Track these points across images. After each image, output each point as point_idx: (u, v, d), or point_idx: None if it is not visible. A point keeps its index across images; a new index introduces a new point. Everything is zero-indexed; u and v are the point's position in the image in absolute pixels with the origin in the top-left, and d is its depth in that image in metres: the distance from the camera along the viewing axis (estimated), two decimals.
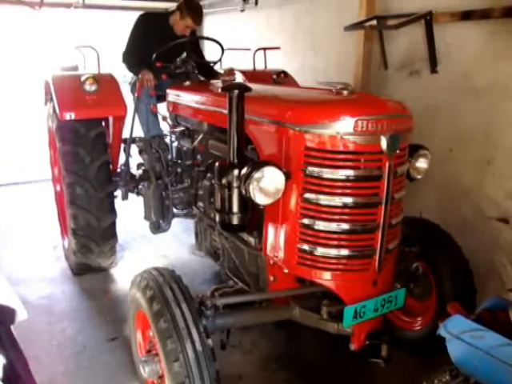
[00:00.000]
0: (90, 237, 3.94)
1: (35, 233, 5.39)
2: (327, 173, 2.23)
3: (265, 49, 4.89)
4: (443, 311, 2.96)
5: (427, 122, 3.83)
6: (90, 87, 3.81)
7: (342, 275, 2.36)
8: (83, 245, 3.97)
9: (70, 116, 3.72)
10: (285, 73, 4.74)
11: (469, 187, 3.71)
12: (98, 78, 3.87)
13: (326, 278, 2.38)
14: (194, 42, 4.49)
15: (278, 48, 4.98)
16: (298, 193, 2.31)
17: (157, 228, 3.84)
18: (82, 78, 3.83)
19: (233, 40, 6.26)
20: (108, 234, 4.03)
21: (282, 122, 2.35)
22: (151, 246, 4.95)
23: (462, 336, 2.21)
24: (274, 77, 4.67)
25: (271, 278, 2.67)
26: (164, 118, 4.13)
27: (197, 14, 4.28)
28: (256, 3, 6.06)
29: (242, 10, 6.30)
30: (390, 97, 3.88)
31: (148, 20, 4.45)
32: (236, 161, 2.36)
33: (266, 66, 4.98)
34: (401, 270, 2.94)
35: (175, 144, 4.05)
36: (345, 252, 2.32)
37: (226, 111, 2.36)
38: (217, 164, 2.50)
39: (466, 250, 3.11)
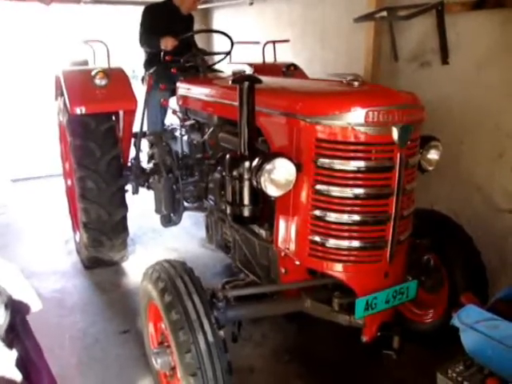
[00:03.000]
0: (102, 231, 3.96)
1: (47, 227, 5.44)
2: (338, 164, 2.22)
3: (274, 42, 4.87)
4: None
5: (438, 114, 3.77)
6: (100, 81, 3.82)
7: (353, 267, 2.36)
8: (94, 239, 4.00)
9: (80, 110, 3.74)
10: (294, 65, 4.73)
11: (481, 179, 3.68)
12: (108, 72, 3.88)
13: (337, 269, 2.38)
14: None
15: (287, 41, 4.97)
16: (310, 184, 2.30)
17: (167, 221, 3.86)
18: (93, 73, 3.84)
19: (242, 34, 6.27)
20: (119, 228, 4.05)
21: (293, 114, 2.35)
22: (162, 239, 4.97)
23: (475, 326, 2.19)
24: (284, 69, 4.66)
25: (282, 270, 2.67)
26: (174, 112, 4.14)
27: None
28: None
29: (251, 3, 6.27)
30: (401, 88, 3.89)
31: (153, 10, 4.55)
32: (247, 153, 2.36)
33: (275, 59, 4.97)
34: (412, 262, 2.93)
35: (185, 137, 4.05)
36: (356, 243, 2.31)
37: (236, 103, 2.35)
38: (227, 156, 2.50)
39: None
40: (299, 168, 2.29)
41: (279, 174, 2.23)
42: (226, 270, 4.20)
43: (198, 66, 4.01)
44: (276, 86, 2.94)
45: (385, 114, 2.14)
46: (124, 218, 4.08)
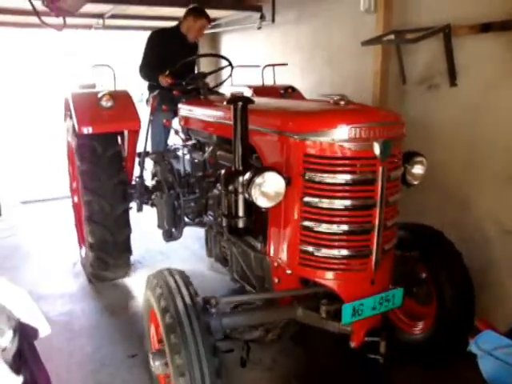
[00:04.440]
0: (106, 251, 4.14)
1: (55, 249, 5.54)
2: (324, 177, 2.38)
3: (273, 65, 5.09)
4: (443, 318, 3.08)
5: (447, 135, 3.91)
6: (106, 103, 4.03)
7: (340, 274, 2.49)
8: (99, 258, 4.18)
9: (87, 130, 3.93)
10: (292, 88, 4.93)
11: (491, 201, 3.69)
12: (113, 95, 4.09)
13: (325, 277, 2.51)
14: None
15: (285, 64, 5.17)
16: (298, 197, 2.46)
17: (169, 236, 4.02)
18: (99, 95, 4.05)
19: (250, 57, 6.66)
20: (123, 248, 4.24)
21: (283, 131, 2.52)
22: (170, 262, 4.99)
23: (494, 352, 2.19)
24: (282, 91, 4.86)
25: (275, 280, 2.81)
26: (176, 132, 4.34)
27: (206, 14, 4.86)
28: (273, 20, 6.18)
29: (259, 28, 6.38)
30: (409, 110, 4.21)
31: (159, 36, 4.81)
32: (241, 168, 2.54)
33: (274, 82, 5.18)
34: (401, 273, 3.06)
35: (187, 156, 4.23)
36: (343, 252, 2.45)
37: (231, 123, 2.54)
38: (223, 172, 2.68)
39: (484, 264, 3.19)
40: (289, 182, 2.45)
41: (269, 187, 2.39)
42: (233, 293, 4.23)
43: (199, 88, 4.21)
44: (268, 106, 3.12)
45: (366, 130, 2.31)
46: (127, 239, 4.26)
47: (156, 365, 2.48)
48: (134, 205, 4.67)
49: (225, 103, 2.64)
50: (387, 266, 2.65)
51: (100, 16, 6.30)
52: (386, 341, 2.57)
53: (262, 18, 6.22)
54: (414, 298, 3.31)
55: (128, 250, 4.31)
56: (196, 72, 4.74)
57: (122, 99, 4.17)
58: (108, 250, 4.12)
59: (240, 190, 2.52)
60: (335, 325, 2.60)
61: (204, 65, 7.48)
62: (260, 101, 2.98)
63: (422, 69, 4.16)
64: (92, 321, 4.00)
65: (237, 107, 2.50)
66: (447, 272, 3.10)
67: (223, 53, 7.67)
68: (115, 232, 4.09)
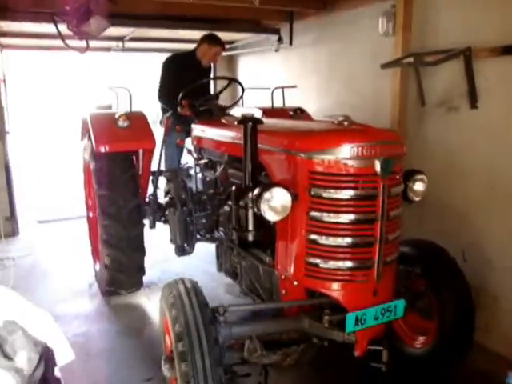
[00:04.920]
0: (121, 271, 4.34)
1: (72, 270, 5.59)
2: (329, 193, 2.54)
3: (283, 87, 5.29)
4: (444, 333, 3.18)
5: (467, 158, 3.93)
6: (122, 123, 4.24)
7: (344, 285, 2.63)
8: (114, 278, 4.39)
9: (104, 148, 4.13)
10: (301, 109, 5.12)
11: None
12: (129, 116, 4.29)
13: (330, 288, 2.65)
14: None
15: (294, 86, 5.37)
16: (304, 211, 2.61)
17: (181, 251, 4.17)
18: (116, 116, 4.26)
19: (266, 79, 6.72)
20: (137, 269, 4.46)
21: (290, 150, 2.69)
22: None
23: None
24: (291, 113, 5.04)
25: (283, 292, 2.94)
26: (189, 151, 4.53)
27: (221, 41, 5.12)
28: (291, 43, 6.19)
29: (277, 50, 6.36)
30: (428, 133, 4.28)
31: (174, 61, 5.04)
32: (250, 184, 2.70)
33: (284, 104, 5.37)
34: (404, 287, 3.19)
35: (199, 175, 4.41)
36: (346, 264, 2.59)
37: (242, 142, 2.72)
38: (233, 188, 2.85)
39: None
40: (295, 197, 2.61)
41: (276, 202, 2.55)
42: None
43: (211, 109, 4.41)
44: (276, 126, 3.30)
45: (368, 148, 2.47)
46: (141, 260, 4.47)
47: (166, 368, 2.62)
48: (146, 222, 4.86)
49: (235, 123, 2.82)
50: (389, 278, 2.78)
51: (120, 39, 6.50)
52: (388, 350, 2.69)
53: (280, 40, 6.27)
54: (417, 311, 3.42)
55: (141, 269, 4.52)
56: (209, 94, 4.93)
57: (137, 120, 4.38)
58: (122, 270, 4.32)
59: (250, 204, 2.67)
60: (340, 334, 2.70)
61: (220, 87, 7.63)
62: (269, 121, 3.16)
63: (441, 91, 4.16)
64: (108, 343, 3.99)
65: (247, 127, 2.68)
66: (448, 288, 3.20)
67: (240, 75, 7.91)
68: (130, 254, 4.29)
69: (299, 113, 5.06)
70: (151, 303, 4.62)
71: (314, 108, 5.45)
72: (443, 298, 3.18)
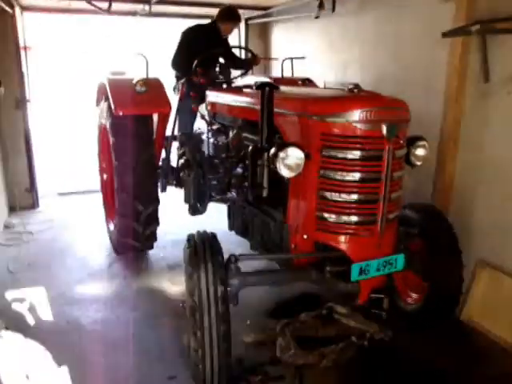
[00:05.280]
0: (135, 219, 4.55)
1: (92, 245, 5.50)
2: (339, 153, 2.78)
3: (292, 58, 5.47)
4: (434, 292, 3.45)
5: None
6: (140, 88, 4.43)
7: (350, 238, 2.89)
8: (128, 226, 4.58)
9: (122, 112, 4.34)
10: (309, 80, 5.31)
11: None
12: (147, 81, 4.49)
13: (338, 241, 2.91)
14: (228, 50, 5.15)
15: (303, 58, 5.55)
16: (316, 170, 2.86)
17: (194, 210, 4.42)
18: (134, 81, 4.47)
19: (303, 51, 6.22)
20: (151, 219, 4.64)
21: (304, 113, 2.92)
22: None
23: None
24: (300, 83, 5.23)
25: (292, 246, 3.18)
26: (202, 117, 4.75)
27: (237, 16, 5.33)
28: (333, 10, 5.55)
29: (317, 17, 5.65)
30: (490, 112, 3.79)
31: (194, 32, 5.23)
32: (266, 145, 2.94)
33: (292, 74, 5.55)
34: (403, 246, 3.44)
35: (211, 140, 4.63)
36: (353, 219, 2.85)
37: (258, 107, 2.95)
38: (250, 147, 3.08)
39: None
40: (308, 157, 2.85)
41: (291, 159, 2.78)
42: None
43: (224, 77, 4.62)
44: (291, 92, 3.52)
45: (375, 113, 2.70)
46: (155, 210, 4.66)
47: None
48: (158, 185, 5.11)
49: (254, 88, 3.04)
50: (391, 234, 3.03)
51: (147, 1, 6.22)
52: (388, 298, 2.96)
53: (321, 6, 5.54)
54: (413, 270, 3.67)
55: (156, 221, 4.70)
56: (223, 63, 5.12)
57: (154, 85, 4.57)
58: (137, 219, 4.53)
59: (266, 163, 2.91)
60: (344, 284, 2.98)
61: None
62: (283, 88, 3.39)
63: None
64: (127, 332, 3.70)
65: (264, 92, 2.90)
66: (441, 250, 3.44)
67: (273, 44, 7.50)
68: (145, 202, 4.50)
69: (307, 83, 5.25)
70: (175, 287, 4.42)
71: (358, 82, 4.82)
72: (435, 258, 3.43)
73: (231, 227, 4.22)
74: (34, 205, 6.80)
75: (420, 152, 3.17)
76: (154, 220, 4.70)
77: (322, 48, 6.02)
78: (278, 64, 6.14)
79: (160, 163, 5.00)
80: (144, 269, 4.95)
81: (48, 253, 5.27)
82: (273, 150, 2.80)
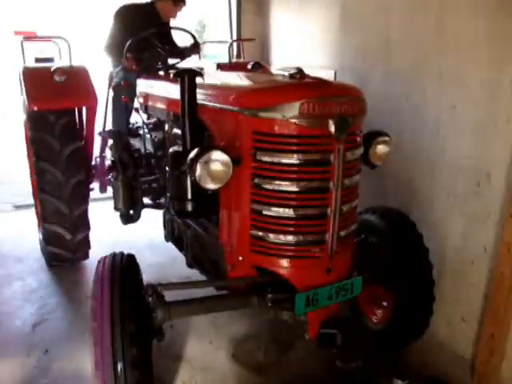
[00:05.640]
0: (62, 225, 3.95)
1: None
2: (275, 157, 2.20)
3: (241, 40, 4.87)
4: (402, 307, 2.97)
5: None
6: (59, 78, 3.80)
7: (293, 262, 2.33)
8: (55, 233, 3.97)
9: (38, 107, 3.71)
10: (259, 63, 4.69)
11: None
12: (68, 70, 3.86)
13: (277, 264, 2.35)
14: (165, 34, 4.48)
15: (252, 39, 4.94)
16: (249, 178, 2.28)
17: (126, 219, 3.81)
18: (52, 69, 3.81)
19: (311, 31, 4.95)
20: (80, 224, 4.03)
21: (232, 107, 2.33)
22: None
23: None
24: (249, 67, 4.64)
25: (229, 267, 2.62)
26: (136, 110, 4.12)
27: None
28: None
29: None
30: None
31: (129, 11, 4.48)
32: (189, 147, 2.34)
33: (243, 58, 4.96)
34: (364, 257, 2.91)
35: (148, 135, 4.02)
36: (296, 238, 2.29)
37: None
38: (170, 151, 2.49)
39: None
40: (239, 161, 2.26)
41: (214, 167, 2.19)
42: None
43: (159, 62, 3.99)
44: (221, 81, 2.92)
45: (320, 105, 2.12)
46: (85, 213, 4.08)
47: None
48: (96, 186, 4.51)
49: (172, 76, 2.44)
50: (346, 254, 2.47)
51: None
52: (343, 333, 2.41)
53: None
54: (381, 283, 3.15)
55: (86, 225, 4.13)
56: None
57: (77, 74, 3.93)
58: (63, 224, 3.94)
59: (188, 171, 2.32)
60: (288, 314, 2.45)
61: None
62: (216, 76, 2.79)
63: None
64: None
65: (184, 80, 2.30)
66: (407, 258, 2.94)
67: (272, 22, 5.80)
68: (71, 205, 3.91)
69: (258, 67, 4.64)
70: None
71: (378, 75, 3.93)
72: (402, 267, 2.92)
73: (166, 238, 3.62)
74: None
75: (382, 150, 2.62)
76: (83, 224, 4.09)
77: (336, 28, 4.50)
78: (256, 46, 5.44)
79: (93, 162, 4.39)
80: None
81: None
82: (191, 155, 2.20)
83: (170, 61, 4.17)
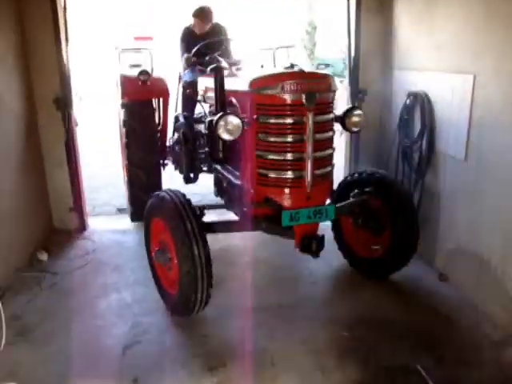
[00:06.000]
0: (141, 189, 5.32)
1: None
2: (270, 119, 3.39)
3: (287, 47, 6.02)
4: (396, 242, 4.08)
5: None
6: (143, 78, 5.23)
7: (283, 191, 3.48)
8: (136, 195, 5.37)
9: (127, 98, 5.19)
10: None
11: None
12: (147, 73, 5.31)
13: (274, 193, 3.52)
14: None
15: (291, 46, 6.10)
16: (255, 134, 3.48)
17: (188, 180, 5.14)
18: (137, 73, 5.28)
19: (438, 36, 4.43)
20: (154, 187, 5.37)
21: (246, 89, 3.54)
22: None
23: None
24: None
25: (248, 200, 3.77)
26: (199, 101, 5.45)
27: (204, 14, 5.59)
28: None
29: None
30: None
31: (184, 33, 5.83)
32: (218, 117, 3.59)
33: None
34: (359, 207, 4.09)
35: (205, 119, 5.33)
36: (285, 174, 3.44)
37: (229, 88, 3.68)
38: (207, 119, 3.75)
39: None
40: (249, 124, 3.48)
41: (230, 125, 3.42)
42: None
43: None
44: (243, 74, 4.21)
45: (295, 85, 3.29)
46: (159, 180, 5.44)
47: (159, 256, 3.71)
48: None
49: (208, 70, 3.71)
50: (322, 187, 3.58)
51: None
52: (317, 241, 3.52)
53: None
54: (369, 227, 4.24)
55: (159, 188, 5.42)
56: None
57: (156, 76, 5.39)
58: (142, 189, 5.27)
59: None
60: (281, 229, 3.58)
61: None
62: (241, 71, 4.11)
63: None
64: None
65: (217, 73, 3.59)
66: (401, 208, 4.06)
67: (397, 26, 5.23)
68: (150, 174, 5.27)
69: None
70: None
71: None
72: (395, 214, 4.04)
73: (216, 194, 4.89)
74: (82, 226, 5.65)
75: (355, 118, 3.74)
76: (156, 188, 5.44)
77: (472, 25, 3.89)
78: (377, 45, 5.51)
79: (168, 143, 5.79)
80: None
81: (55, 313, 3.99)
82: (215, 118, 3.44)
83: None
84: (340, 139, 4.87)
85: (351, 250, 4.55)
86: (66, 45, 4.93)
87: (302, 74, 3.40)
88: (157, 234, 3.91)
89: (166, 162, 5.89)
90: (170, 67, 5.91)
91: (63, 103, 5.07)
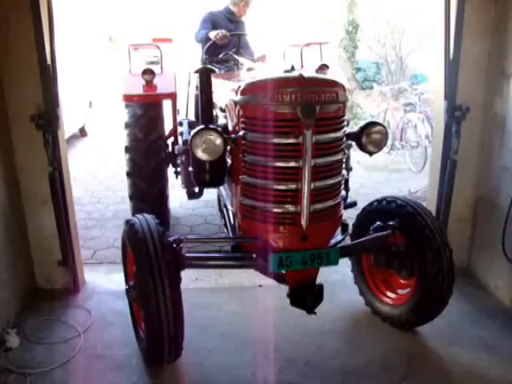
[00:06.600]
0: (144, 201, 4.76)
1: None
2: (257, 137, 2.66)
3: (320, 43, 5.27)
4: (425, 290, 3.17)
5: None
6: (148, 77, 4.63)
7: (272, 228, 2.74)
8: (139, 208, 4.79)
9: (129, 99, 4.60)
10: (326, 65, 5.01)
11: None
12: (153, 72, 4.70)
13: (260, 229, 2.79)
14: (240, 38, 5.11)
15: (326, 43, 5.31)
16: (240, 154, 2.76)
17: (191, 195, 4.49)
18: (141, 71, 4.69)
19: None
20: (158, 200, 4.82)
21: (234, 98, 2.82)
22: None
23: None
24: (316, 69, 4.99)
25: (240, 231, 3.11)
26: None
27: None
28: None
29: None
30: None
31: (213, 13, 5.24)
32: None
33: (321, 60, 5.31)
34: (382, 245, 3.26)
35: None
36: (275, 207, 2.69)
37: None
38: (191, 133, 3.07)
39: None
40: (234, 141, 2.77)
41: (207, 144, 2.70)
42: None
43: (230, 66, 4.64)
44: (231, 77, 3.55)
45: (289, 94, 2.52)
46: (163, 189, 4.88)
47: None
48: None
49: (193, 72, 3.03)
50: (323, 226, 2.79)
51: None
52: (311, 295, 2.78)
53: None
54: (396, 271, 3.40)
55: (165, 202, 4.93)
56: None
57: (164, 76, 4.81)
58: (144, 200, 4.74)
59: None
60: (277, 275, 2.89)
61: None
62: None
63: None
64: None
65: (201, 76, 2.90)
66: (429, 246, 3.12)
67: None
68: (152, 184, 4.72)
69: (324, 68, 4.98)
70: None
71: None
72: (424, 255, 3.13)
73: (219, 210, 4.24)
74: (74, 286, 4.05)
75: (375, 136, 2.93)
76: (161, 201, 4.94)
77: None
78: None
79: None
80: None
81: None
82: (191, 133, 2.75)
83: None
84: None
85: (373, 295, 3.68)
86: (51, 38, 3.41)
87: (298, 80, 2.62)
88: (130, 265, 3.28)
89: (178, 169, 5.28)
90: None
91: (46, 119, 3.54)
